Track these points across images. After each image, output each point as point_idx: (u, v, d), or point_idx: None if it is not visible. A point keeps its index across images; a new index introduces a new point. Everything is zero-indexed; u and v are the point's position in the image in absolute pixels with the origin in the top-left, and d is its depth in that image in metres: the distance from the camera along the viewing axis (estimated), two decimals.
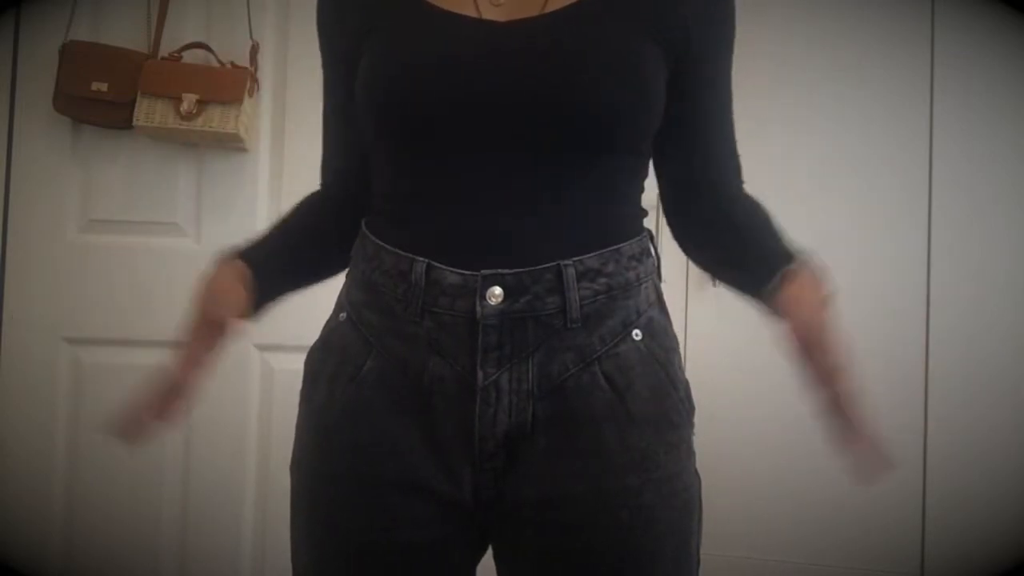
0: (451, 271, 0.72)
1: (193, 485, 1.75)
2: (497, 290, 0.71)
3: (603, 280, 0.75)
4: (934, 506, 1.67)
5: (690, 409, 0.87)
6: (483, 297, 0.71)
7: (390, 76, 0.75)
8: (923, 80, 1.72)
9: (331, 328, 0.84)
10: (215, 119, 1.64)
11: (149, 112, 1.65)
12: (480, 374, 0.72)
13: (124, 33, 1.74)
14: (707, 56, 0.86)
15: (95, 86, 1.67)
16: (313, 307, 1.85)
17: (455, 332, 0.72)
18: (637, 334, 0.78)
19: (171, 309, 1.74)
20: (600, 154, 0.77)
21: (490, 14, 0.75)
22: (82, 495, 1.74)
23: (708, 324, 1.77)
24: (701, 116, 0.90)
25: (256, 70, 1.73)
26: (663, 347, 0.83)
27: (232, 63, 1.70)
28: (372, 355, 0.76)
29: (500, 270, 0.71)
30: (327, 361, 0.81)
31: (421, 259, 0.73)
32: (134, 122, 1.66)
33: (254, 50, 1.73)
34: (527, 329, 0.72)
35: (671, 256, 1.77)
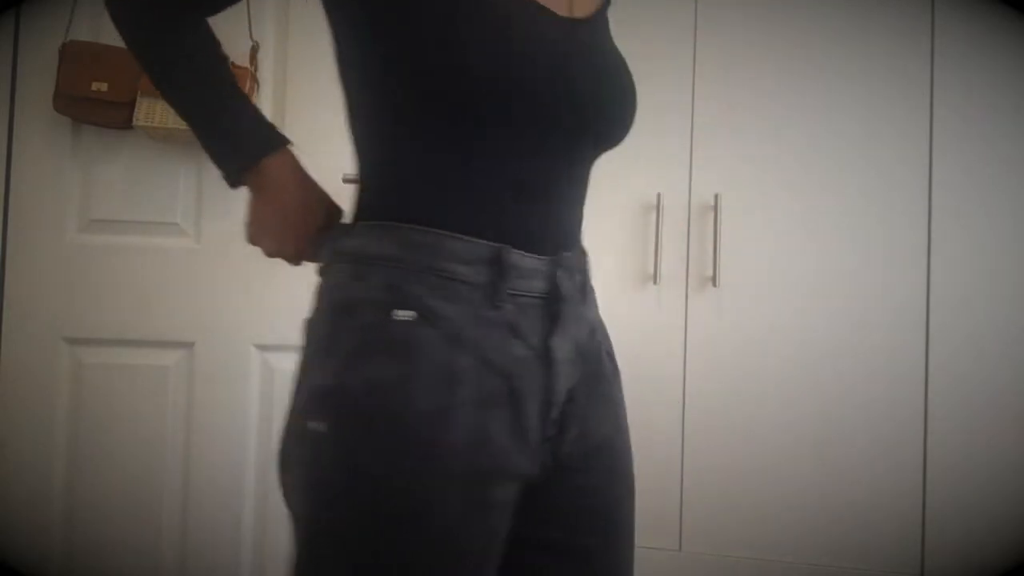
0: (528, 256, 0.77)
1: (193, 485, 1.75)
2: (564, 272, 0.80)
3: (588, 262, 0.88)
4: (934, 506, 1.67)
5: None
6: (558, 278, 0.78)
7: (497, 57, 0.73)
8: (923, 80, 1.73)
9: (394, 331, 0.73)
10: None
11: (149, 112, 1.65)
12: (558, 346, 0.78)
13: None
14: None
15: (95, 86, 1.67)
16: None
17: (532, 312, 0.77)
18: (599, 310, 0.90)
19: (171, 309, 1.75)
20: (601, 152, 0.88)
21: (563, 12, 0.80)
22: (82, 495, 1.74)
23: (708, 324, 1.77)
24: None
25: (256, 70, 1.73)
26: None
27: (232, 63, 1.70)
28: (457, 352, 0.73)
29: (566, 253, 0.80)
30: (412, 367, 0.72)
31: (503, 245, 0.76)
32: (134, 122, 1.66)
33: (254, 50, 1.73)
34: (571, 305, 0.80)
35: (671, 256, 1.78)
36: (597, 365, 0.85)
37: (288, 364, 1.76)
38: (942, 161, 1.71)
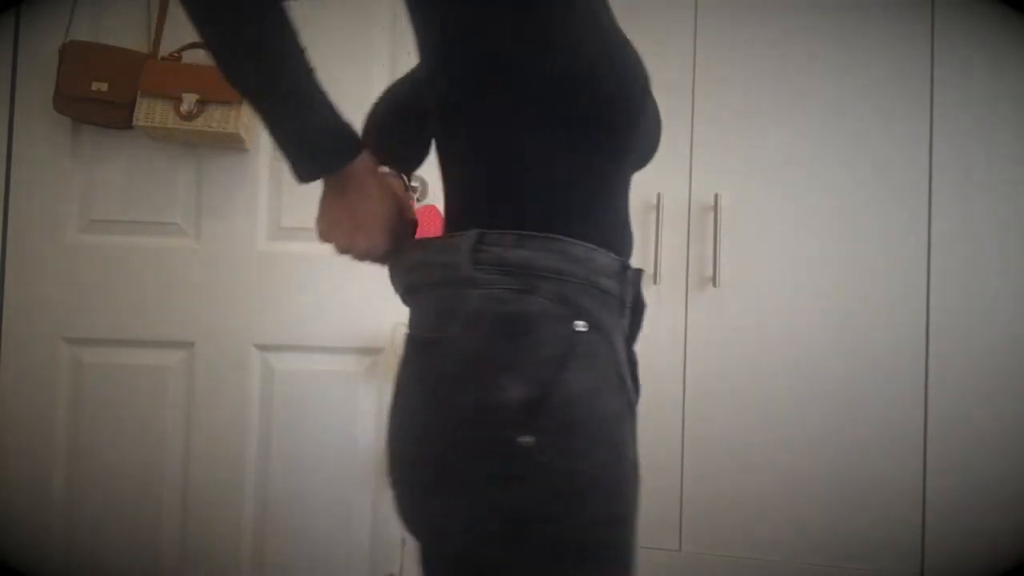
0: (633, 269, 0.83)
1: (193, 485, 1.75)
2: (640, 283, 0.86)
3: None
4: (934, 506, 1.67)
5: None
6: (641, 288, 0.85)
7: (636, 78, 0.81)
8: (923, 80, 1.73)
9: (580, 341, 0.75)
10: (215, 119, 1.64)
11: (149, 112, 1.65)
12: (632, 353, 0.85)
13: (124, 33, 1.74)
14: None
15: (95, 86, 1.67)
16: (313, 308, 1.86)
17: (625, 321, 0.83)
18: None
19: (171, 309, 1.75)
20: None
21: None
22: (82, 495, 1.74)
23: (708, 324, 1.77)
24: None
25: None
26: None
27: None
28: (617, 359, 0.79)
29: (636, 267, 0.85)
30: (599, 373, 0.76)
31: (623, 259, 0.82)
32: (134, 122, 1.66)
33: None
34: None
35: (671, 256, 1.78)
36: (637, 374, 0.90)
37: (288, 364, 1.77)
38: (942, 161, 1.71)
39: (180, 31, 1.74)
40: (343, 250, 0.84)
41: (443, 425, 0.73)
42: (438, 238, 0.80)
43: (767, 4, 1.79)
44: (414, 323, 0.82)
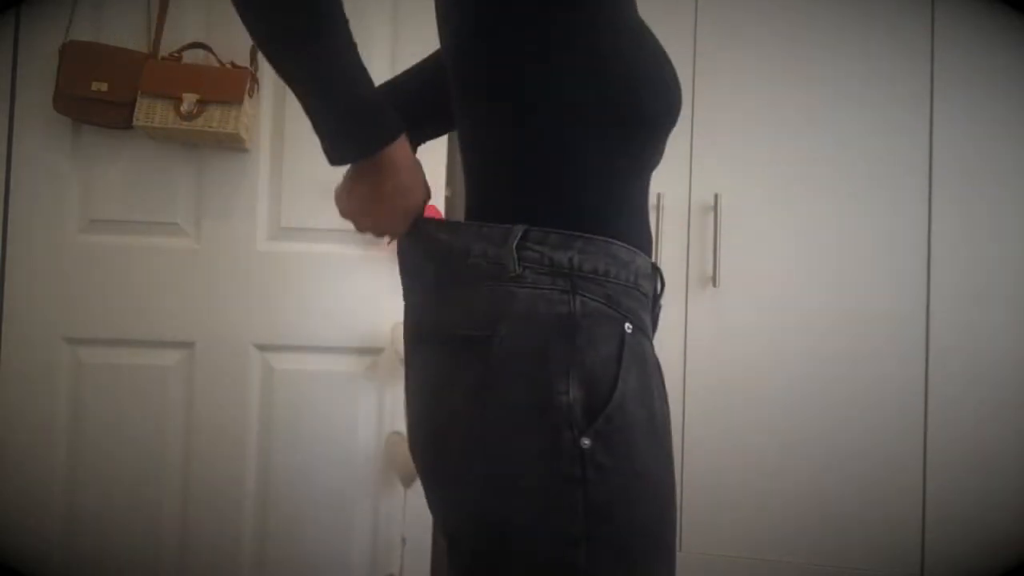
0: (656, 267, 0.84)
1: (193, 485, 1.75)
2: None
3: None
4: (934, 506, 1.67)
5: None
6: (663, 286, 0.86)
7: (664, 81, 0.83)
8: (923, 80, 1.73)
9: (633, 343, 0.76)
10: (215, 119, 1.64)
11: (149, 112, 1.65)
12: (654, 352, 0.83)
13: (124, 33, 1.74)
14: None
15: (95, 86, 1.67)
16: (313, 308, 1.86)
17: (652, 318, 0.84)
18: None
19: (171, 309, 1.75)
20: None
21: None
22: (82, 495, 1.74)
23: (708, 324, 1.77)
24: None
25: (256, 70, 1.73)
26: None
27: (232, 63, 1.70)
28: (656, 361, 0.81)
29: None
30: (649, 376, 0.78)
31: (653, 260, 0.83)
32: (134, 122, 1.66)
33: (254, 50, 1.73)
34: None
35: (671, 256, 1.78)
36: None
37: (288, 364, 1.77)
38: (942, 161, 1.71)
39: (180, 31, 1.74)
40: (365, 230, 0.84)
41: (498, 426, 0.72)
42: (470, 224, 0.78)
43: (767, 4, 1.79)
44: (450, 319, 0.77)
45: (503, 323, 0.73)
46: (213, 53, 1.71)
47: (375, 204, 0.80)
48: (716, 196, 1.76)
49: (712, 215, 1.77)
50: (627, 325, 0.75)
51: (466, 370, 0.74)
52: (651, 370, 0.78)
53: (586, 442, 0.70)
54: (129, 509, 1.74)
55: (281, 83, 1.78)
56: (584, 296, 0.74)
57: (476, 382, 0.73)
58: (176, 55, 1.71)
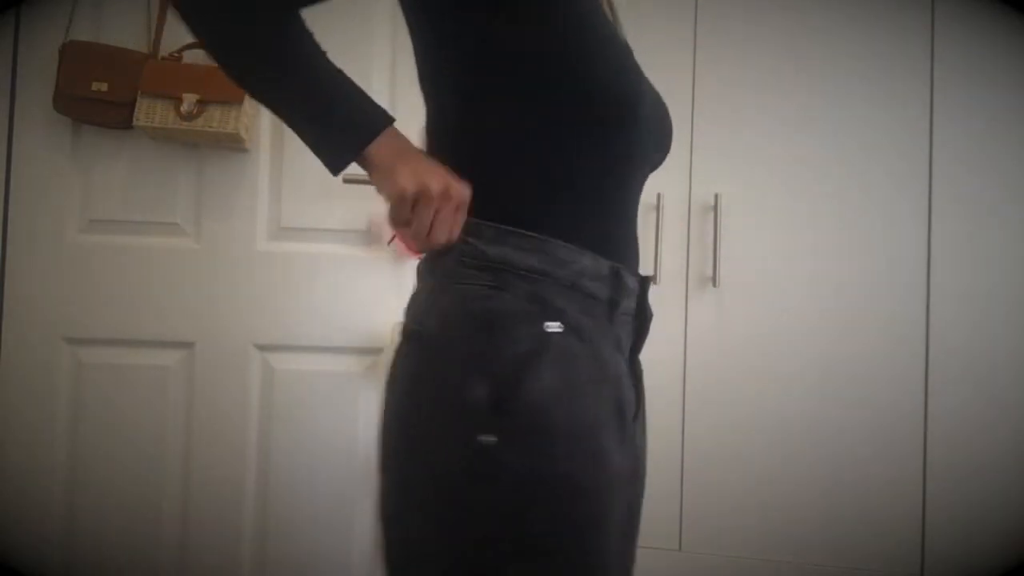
0: (631, 275, 0.81)
1: (193, 485, 1.75)
2: (645, 291, 0.84)
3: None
4: (934, 506, 1.67)
5: None
6: (646, 297, 0.83)
7: (621, 75, 0.79)
8: (923, 80, 1.73)
9: (550, 343, 0.74)
10: (215, 119, 1.64)
11: (149, 112, 1.65)
12: (637, 365, 0.82)
13: (124, 33, 1.74)
14: None
15: (95, 86, 1.67)
16: (313, 308, 1.86)
17: (626, 329, 0.81)
18: None
19: (171, 309, 1.75)
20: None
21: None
22: (82, 495, 1.74)
23: (708, 324, 1.77)
24: None
25: None
26: None
27: None
28: (599, 363, 0.76)
29: (643, 274, 0.84)
30: (573, 376, 0.74)
31: (618, 264, 0.79)
32: (134, 122, 1.66)
33: None
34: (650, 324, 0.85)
35: (671, 256, 1.78)
36: (642, 386, 0.88)
37: (288, 364, 1.77)
38: (942, 161, 1.71)
39: (180, 31, 1.74)
40: (440, 191, 0.73)
41: (411, 419, 0.73)
42: None
43: (767, 4, 1.79)
44: (407, 312, 0.81)
45: (431, 317, 0.75)
46: None
47: (416, 172, 0.74)
48: (716, 196, 1.76)
49: (712, 215, 1.77)
50: (550, 324, 0.73)
51: (404, 364, 0.76)
52: (582, 373, 0.74)
53: (491, 440, 0.70)
54: (129, 509, 1.74)
55: None
56: (510, 293, 0.74)
57: (405, 376, 0.75)
58: (176, 55, 1.71)
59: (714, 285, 1.76)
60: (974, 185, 1.70)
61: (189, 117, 1.64)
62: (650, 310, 0.86)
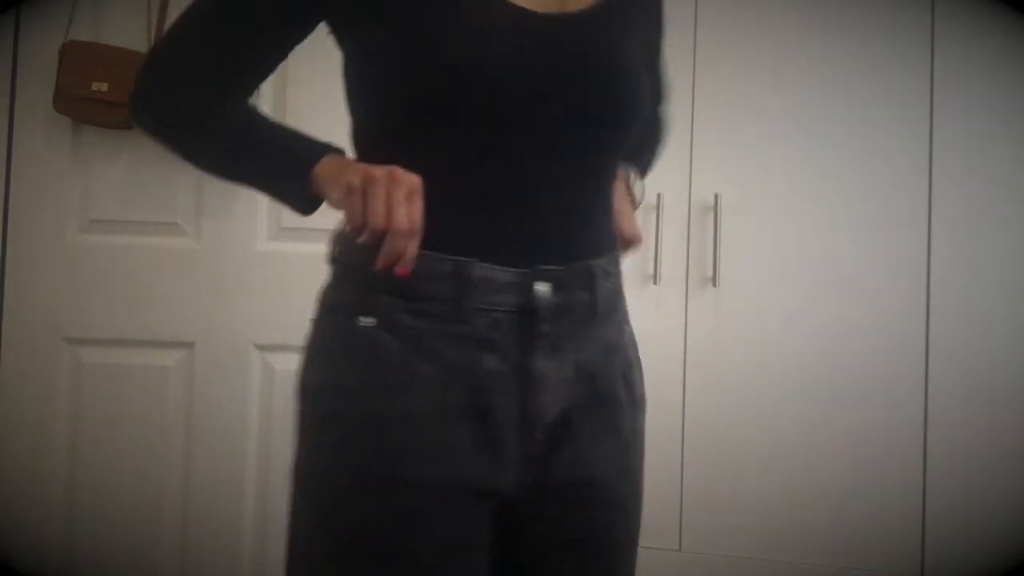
0: (501, 269, 0.74)
1: (193, 485, 1.75)
2: (546, 285, 0.75)
3: (612, 279, 0.83)
4: (934, 506, 1.67)
5: None
6: (534, 292, 0.75)
7: (462, 56, 0.73)
8: (923, 80, 1.72)
9: (356, 335, 0.76)
10: None
11: None
12: (537, 362, 0.76)
13: (124, 33, 1.74)
14: (659, 46, 0.97)
15: (95, 86, 1.67)
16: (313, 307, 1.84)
17: (507, 327, 0.75)
18: (629, 329, 0.88)
19: (171, 309, 1.75)
20: (613, 156, 0.84)
21: (533, 6, 0.78)
22: (82, 495, 1.74)
23: (708, 324, 1.77)
24: (654, 80, 0.99)
25: None
26: (636, 340, 0.91)
27: None
28: (421, 358, 0.74)
29: (548, 266, 0.76)
30: (364, 372, 0.75)
31: (469, 259, 0.74)
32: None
33: None
34: (567, 322, 0.77)
35: (671, 256, 1.78)
36: (607, 390, 0.81)
37: (288, 364, 1.77)
38: (942, 161, 1.71)
39: None
40: (385, 174, 0.71)
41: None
42: None
43: (767, 5, 1.79)
44: None
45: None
46: None
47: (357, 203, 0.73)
48: (716, 196, 1.76)
49: (712, 215, 1.77)
50: (363, 319, 0.75)
51: None
52: (389, 369, 0.73)
53: (301, 423, 0.79)
54: (129, 509, 1.74)
55: (281, 83, 1.79)
56: (349, 285, 0.79)
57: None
58: None
59: (714, 285, 1.76)
60: (974, 185, 1.70)
61: None
62: (554, 309, 0.76)
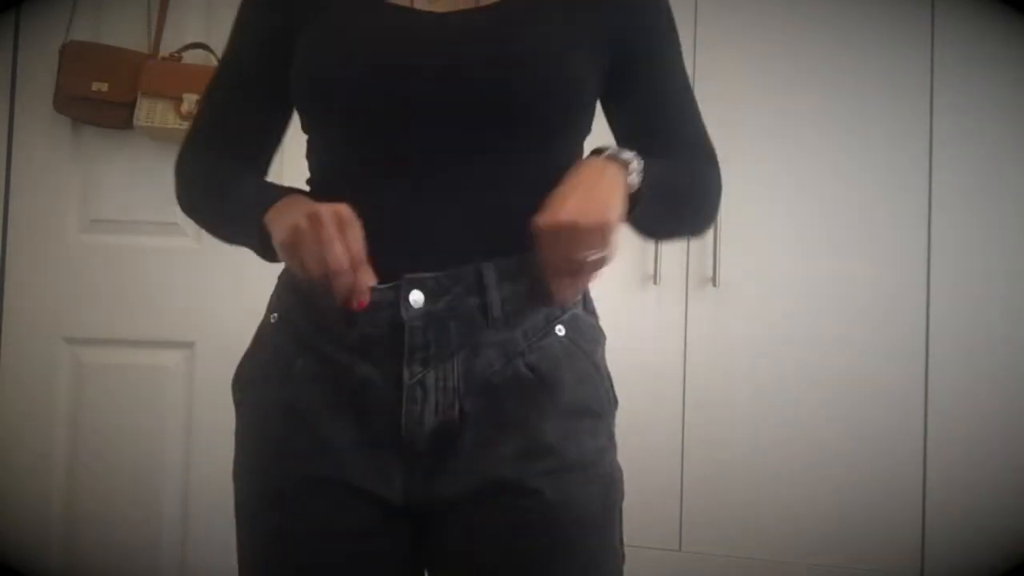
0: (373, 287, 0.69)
1: (193, 485, 1.75)
2: (418, 295, 0.72)
3: (526, 281, 0.75)
4: (934, 506, 1.67)
5: (613, 400, 0.83)
6: (406, 302, 0.72)
7: (334, 63, 0.77)
8: (923, 80, 1.72)
9: (262, 330, 0.85)
10: None
11: (149, 112, 1.65)
12: (406, 374, 0.73)
13: (124, 33, 1.74)
14: (649, 49, 0.88)
15: (95, 86, 1.67)
16: None
17: (381, 338, 0.73)
18: (560, 329, 0.77)
19: (171, 309, 1.75)
20: (529, 151, 0.77)
21: (425, 7, 0.79)
22: (82, 495, 1.74)
23: (708, 324, 1.77)
24: (659, 100, 0.93)
25: None
26: (588, 340, 0.80)
27: None
28: (304, 355, 0.78)
29: (421, 274, 0.72)
30: (259, 364, 0.84)
31: None
32: (134, 122, 1.66)
33: None
34: (450, 329, 0.73)
35: (671, 256, 1.78)
36: (512, 397, 0.75)
37: None
38: (942, 161, 1.71)
39: (180, 31, 1.74)
40: (331, 212, 0.68)
41: None
42: None
43: (767, 5, 1.79)
44: None
45: None
46: (213, 53, 1.71)
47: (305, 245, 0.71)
48: None
49: None
50: (273, 315, 0.84)
51: None
52: (277, 360, 0.80)
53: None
54: (129, 509, 1.74)
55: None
56: (281, 284, 0.87)
57: None
58: (176, 55, 1.71)
59: (714, 285, 1.76)
60: (974, 183, 1.70)
61: (189, 117, 1.64)
62: (411, 319, 0.72)
